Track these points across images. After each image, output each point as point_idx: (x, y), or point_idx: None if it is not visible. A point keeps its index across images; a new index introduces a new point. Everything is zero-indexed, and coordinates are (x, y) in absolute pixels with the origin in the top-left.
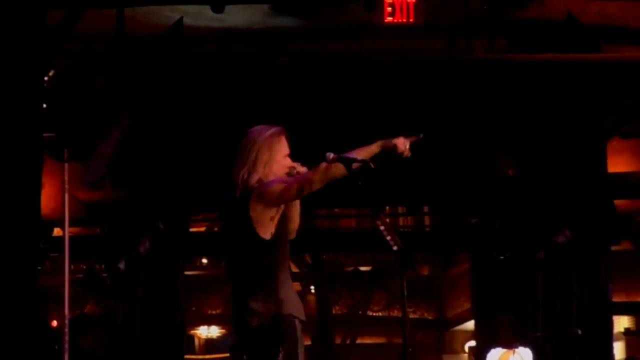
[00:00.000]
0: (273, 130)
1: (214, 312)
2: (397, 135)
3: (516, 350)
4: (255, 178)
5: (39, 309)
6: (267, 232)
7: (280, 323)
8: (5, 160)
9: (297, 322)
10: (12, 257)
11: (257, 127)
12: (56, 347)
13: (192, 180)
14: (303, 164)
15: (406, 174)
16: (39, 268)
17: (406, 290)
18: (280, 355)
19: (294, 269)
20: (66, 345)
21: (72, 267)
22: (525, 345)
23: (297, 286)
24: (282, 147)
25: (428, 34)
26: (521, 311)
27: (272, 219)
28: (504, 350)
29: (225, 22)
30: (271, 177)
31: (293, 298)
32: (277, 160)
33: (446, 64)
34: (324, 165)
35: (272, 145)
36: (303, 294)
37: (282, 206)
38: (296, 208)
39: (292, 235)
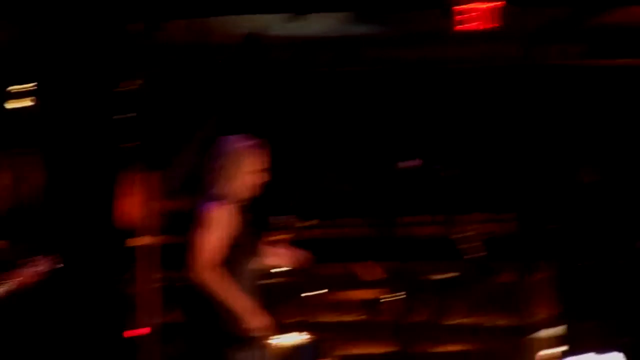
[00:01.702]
0: (241, 144)
1: (290, 320)
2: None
3: (604, 356)
4: (217, 189)
5: (121, 318)
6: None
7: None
8: (87, 170)
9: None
10: (94, 266)
11: (229, 138)
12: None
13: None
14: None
15: (486, 180)
16: (121, 277)
17: (488, 298)
18: None
19: (371, 277)
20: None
21: (153, 276)
22: (613, 350)
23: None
24: (249, 164)
25: (505, 40)
26: (608, 317)
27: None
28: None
29: (304, 30)
30: (232, 191)
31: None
32: (241, 176)
33: (524, 70)
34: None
35: (237, 160)
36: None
37: None
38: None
39: None
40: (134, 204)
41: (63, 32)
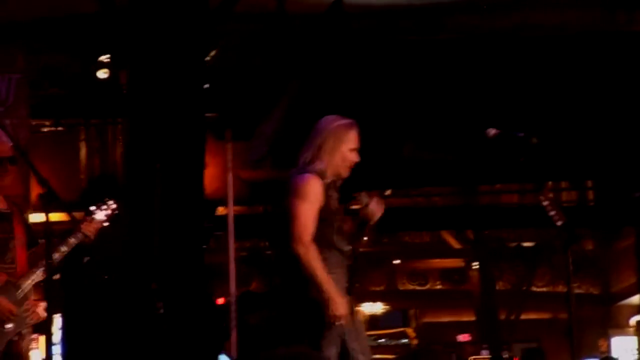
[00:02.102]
0: (342, 122)
1: (377, 288)
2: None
3: None
4: (317, 164)
5: (206, 287)
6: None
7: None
8: (170, 140)
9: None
10: (179, 236)
11: (329, 117)
12: (224, 325)
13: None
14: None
15: (569, 148)
16: (204, 247)
17: (571, 266)
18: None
19: (457, 245)
20: (233, 322)
21: (236, 245)
22: None
23: (459, 262)
24: (349, 140)
25: (587, 6)
26: None
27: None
28: None
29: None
30: (331, 167)
31: None
32: (341, 151)
33: (606, 37)
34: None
35: (339, 136)
36: (466, 270)
37: None
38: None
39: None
40: (216, 174)
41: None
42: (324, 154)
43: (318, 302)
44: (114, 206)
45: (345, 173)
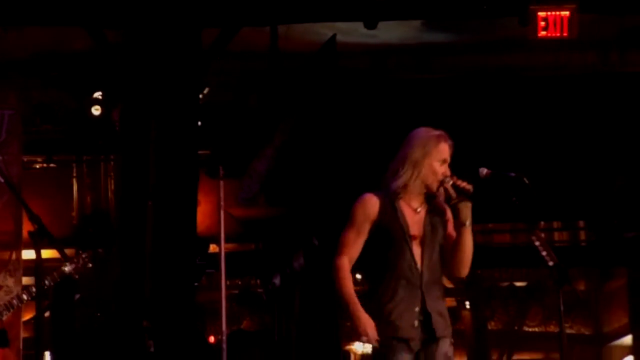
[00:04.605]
0: (432, 133)
1: None
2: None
3: None
4: (397, 178)
5: (197, 325)
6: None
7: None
8: (162, 177)
9: (392, 342)
10: (170, 273)
11: (420, 129)
12: None
13: (345, 195)
14: (459, 178)
15: (561, 188)
16: (196, 284)
17: (563, 306)
18: None
19: (448, 285)
20: None
21: (228, 283)
22: None
23: (451, 302)
24: (438, 152)
25: (582, 48)
26: None
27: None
28: None
29: (378, 38)
30: (417, 180)
31: (383, 313)
32: (429, 164)
33: (600, 78)
34: (346, 273)
35: (427, 147)
36: (458, 310)
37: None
38: (461, 239)
39: (460, 270)
40: (208, 212)
41: (141, 40)
42: (409, 165)
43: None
44: (86, 259)
45: (434, 186)
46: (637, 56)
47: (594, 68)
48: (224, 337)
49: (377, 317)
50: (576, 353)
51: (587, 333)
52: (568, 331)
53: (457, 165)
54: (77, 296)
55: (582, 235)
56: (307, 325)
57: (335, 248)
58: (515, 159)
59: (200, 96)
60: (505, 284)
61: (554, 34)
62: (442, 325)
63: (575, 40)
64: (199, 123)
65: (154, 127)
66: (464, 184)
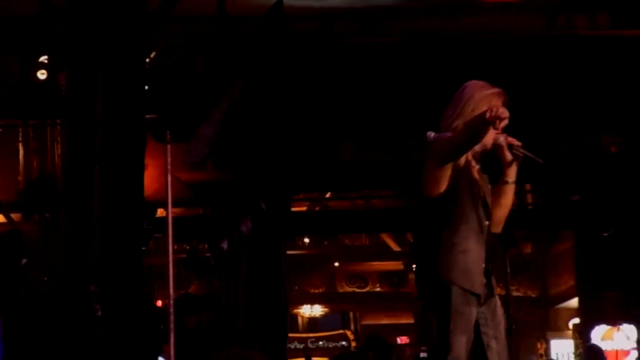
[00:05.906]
0: (494, 90)
1: (316, 291)
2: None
3: (620, 327)
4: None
5: (144, 290)
6: (432, 189)
7: (436, 288)
8: (109, 141)
9: (455, 290)
10: (118, 237)
11: (476, 82)
12: (162, 327)
13: (293, 159)
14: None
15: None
16: (143, 249)
17: (509, 268)
18: (435, 321)
19: (396, 248)
20: (172, 325)
21: (175, 247)
22: (629, 322)
23: (399, 265)
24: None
25: (528, 11)
26: (626, 288)
27: (437, 175)
28: (608, 327)
29: (325, 2)
30: None
31: (459, 264)
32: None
33: (547, 41)
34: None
35: (480, 104)
36: (405, 273)
37: (448, 165)
38: (502, 196)
39: (494, 227)
40: (155, 176)
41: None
42: (461, 121)
43: (447, 285)
44: None
45: (488, 144)
46: (583, 19)
47: (541, 31)
48: (171, 301)
49: (453, 264)
50: (523, 315)
51: (533, 295)
52: (515, 294)
53: (404, 129)
54: (24, 261)
55: (529, 198)
56: (254, 289)
57: (282, 214)
58: None
59: (147, 60)
60: None
61: None
62: (495, 282)
63: (522, 3)
64: (146, 87)
65: (100, 91)
66: (516, 142)
